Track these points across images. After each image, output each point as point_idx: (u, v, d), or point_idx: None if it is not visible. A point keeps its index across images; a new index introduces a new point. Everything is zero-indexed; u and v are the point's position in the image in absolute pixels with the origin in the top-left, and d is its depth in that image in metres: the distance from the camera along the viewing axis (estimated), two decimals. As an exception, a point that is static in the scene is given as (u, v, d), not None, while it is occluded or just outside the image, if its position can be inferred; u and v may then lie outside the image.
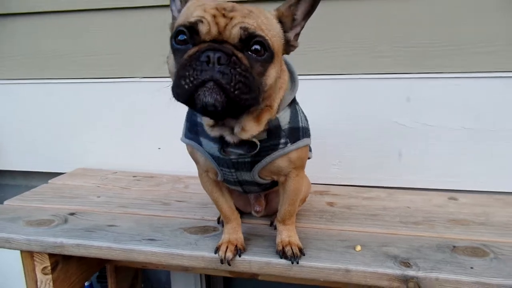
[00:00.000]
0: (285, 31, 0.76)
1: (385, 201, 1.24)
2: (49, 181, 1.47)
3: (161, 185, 1.42)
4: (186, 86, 0.65)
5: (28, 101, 1.64)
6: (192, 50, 0.66)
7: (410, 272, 0.83)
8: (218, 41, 0.66)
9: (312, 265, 0.87)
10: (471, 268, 0.85)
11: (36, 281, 1.06)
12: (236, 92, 0.65)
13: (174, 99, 0.71)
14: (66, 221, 1.10)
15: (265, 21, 0.70)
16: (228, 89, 0.64)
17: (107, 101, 1.58)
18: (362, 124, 1.37)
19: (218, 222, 1.08)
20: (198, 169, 0.92)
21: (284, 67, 0.82)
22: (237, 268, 0.90)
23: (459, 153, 1.33)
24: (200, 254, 0.92)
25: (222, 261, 0.89)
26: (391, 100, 1.33)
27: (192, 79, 0.64)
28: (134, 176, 1.53)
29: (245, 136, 0.76)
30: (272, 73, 0.71)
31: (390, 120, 1.35)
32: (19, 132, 1.68)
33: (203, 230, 1.05)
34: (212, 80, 0.64)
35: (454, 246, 0.94)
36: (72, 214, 1.15)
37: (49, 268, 1.05)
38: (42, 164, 1.70)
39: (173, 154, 1.56)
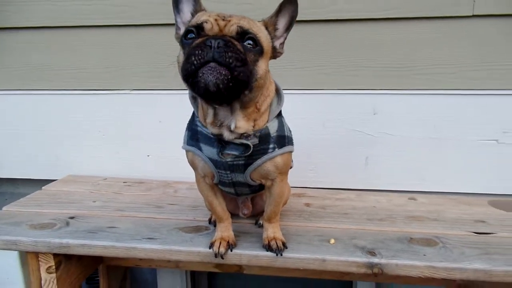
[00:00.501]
0: (272, 38, 0.92)
1: (354, 202, 1.41)
2: (43, 187, 1.54)
3: (152, 190, 1.53)
4: (192, 67, 0.79)
5: (19, 110, 1.70)
6: (198, 39, 0.81)
7: (375, 260, 1.00)
8: (219, 36, 0.82)
9: (294, 256, 1.02)
10: (424, 255, 1.02)
11: (41, 280, 1.15)
12: (233, 68, 0.78)
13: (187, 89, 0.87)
14: (68, 224, 1.20)
15: (255, 26, 0.88)
16: (226, 65, 0.77)
17: (97, 111, 1.67)
18: (334, 134, 1.54)
19: (210, 222, 1.20)
20: (196, 175, 1.05)
21: (272, 80, 0.98)
22: (229, 261, 1.04)
23: (418, 159, 1.52)
24: (196, 249, 1.05)
25: (216, 255, 1.02)
26: (359, 113, 1.51)
27: (197, 61, 0.78)
28: (124, 182, 1.62)
29: (240, 131, 0.90)
30: (262, 65, 0.86)
31: (359, 131, 1.53)
32: (7, 140, 1.74)
33: (197, 229, 1.17)
34: (213, 59, 0.77)
35: (411, 238, 1.12)
36: (72, 217, 1.24)
37: (53, 267, 1.14)
38: (30, 172, 1.76)
39: (162, 161, 1.68)
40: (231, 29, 0.82)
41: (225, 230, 1.06)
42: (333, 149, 1.55)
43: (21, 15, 1.58)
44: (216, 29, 0.83)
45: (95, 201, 1.39)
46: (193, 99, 1.00)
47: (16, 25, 1.60)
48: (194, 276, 1.84)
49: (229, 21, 0.83)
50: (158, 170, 1.67)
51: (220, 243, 1.03)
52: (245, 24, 0.84)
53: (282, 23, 0.93)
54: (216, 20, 0.83)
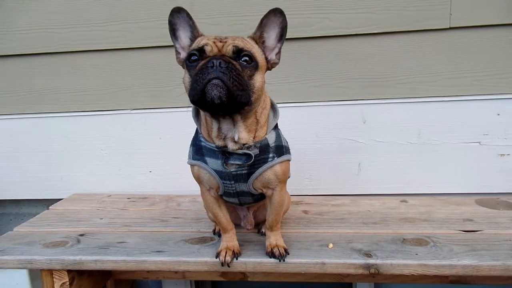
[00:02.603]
0: (263, 51, 1.02)
1: (350, 207, 1.49)
2: (50, 207, 1.59)
3: (155, 205, 1.59)
4: (198, 86, 0.90)
5: (22, 134, 1.76)
6: (202, 62, 0.93)
7: (371, 261, 1.07)
8: (218, 56, 0.92)
9: (295, 261, 1.09)
10: (416, 254, 1.10)
11: (55, 296, 1.20)
12: (233, 86, 0.89)
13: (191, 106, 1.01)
14: (79, 241, 1.25)
15: (248, 43, 0.98)
16: (227, 83, 0.88)
17: (99, 131, 1.73)
18: (327, 143, 1.62)
19: (214, 233, 1.27)
20: (201, 189, 1.12)
21: (268, 95, 1.08)
22: (235, 268, 1.10)
23: (408, 164, 1.60)
24: (203, 259, 1.11)
25: (222, 264, 1.08)
26: (350, 122, 1.59)
27: (202, 80, 0.89)
28: (128, 198, 1.68)
29: (242, 141, 1.00)
30: (258, 78, 0.96)
31: (350, 139, 1.61)
32: (10, 162, 1.79)
33: (202, 240, 1.24)
34: (217, 77, 0.88)
35: (404, 239, 1.19)
36: (82, 235, 1.30)
37: (67, 283, 1.19)
38: (34, 192, 1.81)
39: (163, 176, 1.75)
40: (228, 49, 0.93)
41: (230, 240, 1.13)
42: (327, 158, 1.64)
43: (22, 43, 1.65)
44: (215, 50, 0.93)
45: (102, 218, 1.45)
46: (196, 117, 1.08)
47: (18, 53, 1.66)
48: (198, 285, 1.89)
49: (226, 42, 0.94)
50: (160, 185, 1.74)
51: (226, 252, 1.10)
52: (240, 43, 0.94)
53: (272, 35, 1.02)
54: (214, 42, 0.94)
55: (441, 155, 1.58)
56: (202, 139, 1.05)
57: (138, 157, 1.74)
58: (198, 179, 1.09)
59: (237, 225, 1.30)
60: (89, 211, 1.53)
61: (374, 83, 1.56)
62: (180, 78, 1.68)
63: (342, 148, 1.61)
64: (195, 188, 1.71)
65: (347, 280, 1.38)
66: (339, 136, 1.61)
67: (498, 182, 1.57)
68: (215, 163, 1.03)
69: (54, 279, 1.19)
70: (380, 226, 1.30)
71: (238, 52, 0.93)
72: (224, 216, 1.13)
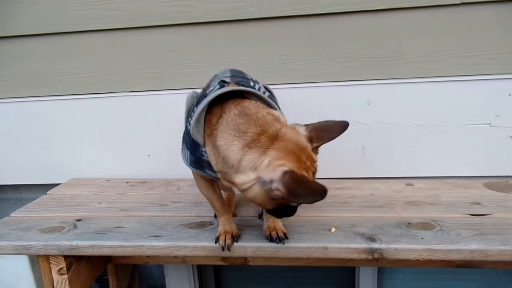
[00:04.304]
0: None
1: (353, 190, 1.45)
2: (48, 192, 1.57)
3: (154, 189, 1.56)
4: None
5: (19, 118, 1.72)
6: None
7: (375, 245, 1.04)
8: None
9: (297, 245, 1.05)
10: (422, 238, 1.06)
11: (53, 282, 1.18)
12: None
13: None
14: (75, 226, 1.23)
15: None
16: None
17: (96, 114, 1.69)
18: (331, 125, 1.57)
19: (215, 217, 1.24)
20: (194, 174, 1.09)
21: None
22: (234, 253, 1.07)
23: (414, 146, 1.55)
24: (202, 244, 1.08)
25: (223, 249, 1.05)
26: (354, 104, 1.54)
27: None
28: (127, 182, 1.65)
29: None
30: None
31: (354, 121, 1.55)
32: (9, 147, 1.76)
33: (201, 225, 1.21)
34: None
35: (409, 223, 1.16)
36: (79, 220, 1.28)
37: (65, 268, 1.17)
38: (33, 177, 1.79)
39: (162, 160, 1.71)
40: None
41: (227, 223, 1.10)
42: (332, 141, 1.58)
43: (19, 22, 1.60)
44: None
45: (100, 203, 1.42)
46: (197, 130, 0.95)
47: (14, 34, 1.61)
48: (201, 270, 1.88)
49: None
50: (159, 169, 1.71)
51: (226, 236, 1.07)
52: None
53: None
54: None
55: (449, 137, 1.52)
56: (205, 154, 0.97)
57: (136, 141, 1.70)
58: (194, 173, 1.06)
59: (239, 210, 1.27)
60: (87, 195, 1.51)
61: (380, 63, 1.50)
62: (178, 59, 1.64)
63: (346, 130, 1.56)
64: (195, 172, 1.67)
65: (350, 264, 1.36)
66: (343, 118, 1.54)
67: (507, 164, 1.52)
68: (199, 171, 1.02)
69: (51, 265, 1.17)
70: (385, 210, 1.26)
71: None
72: (218, 199, 1.09)
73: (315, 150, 0.91)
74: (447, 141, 1.53)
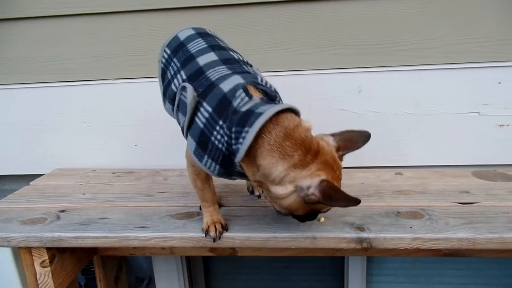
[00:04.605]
0: None
1: (343, 180, 1.42)
2: (31, 183, 1.52)
3: (141, 179, 1.53)
4: None
5: (0, 106, 1.67)
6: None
7: (364, 235, 1.03)
8: None
9: (286, 235, 1.04)
10: (411, 227, 1.05)
11: (36, 274, 1.15)
12: None
13: None
14: (58, 217, 1.19)
15: None
16: None
17: (81, 102, 1.65)
18: (321, 114, 1.55)
19: (201, 209, 1.21)
20: (189, 167, 1.05)
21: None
22: (222, 244, 1.05)
23: (404, 135, 1.55)
24: (189, 235, 1.06)
25: (214, 239, 1.03)
26: (344, 92, 1.52)
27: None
28: (113, 173, 1.62)
29: None
30: None
31: (344, 109, 1.54)
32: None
33: (188, 215, 1.18)
34: None
35: (398, 212, 1.15)
36: (62, 211, 1.24)
37: (47, 261, 1.14)
38: (16, 168, 1.75)
39: (150, 149, 1.68)
40: None
41: (215, 213, 1.08)
42: (320, 129, 1.55)
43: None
44: None
45: (84, 194, 1.39)
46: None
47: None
48: (190, 261, 1.87)
49: None
50: (147, 159, 1.67)
51: (215, 226, 1.05)
52: None
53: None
54: None
55: (439, 126, 1.52)
56: (239, 168, 0.94)
57: (123, 130, 1.66)
58: (196, 167, 1.01)
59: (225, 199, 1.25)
60: (71, 186, 1.47)
61: (370, 50, 1.48)
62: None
63: (337, 119, 1.54)
64: (183, 162, 1.65)
65: (339, 254, 1.35)
66: (333, 107, 1.54)
67: (496, 153, 1.52)
68: (224, 178, 1.03)
69: (34, 257, 1.14)
70: (374, 199, 1.26)
71: None
72: (211, 190, 1.08)
73: (341, 158, 0.97)
74: (437, 130, 1.53)
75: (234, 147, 0.89)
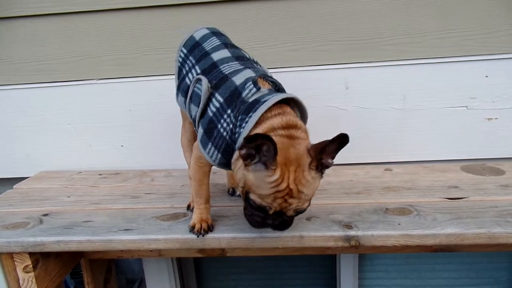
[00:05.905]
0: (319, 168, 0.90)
1: (331, 177, 1.42)
2: (14, 186, 1.49)
3: (128, 180, 1.51)
4: (254, 223, 0.93)
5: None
6: (259, 217, 0.91)
7: (351, 232, 1.01)
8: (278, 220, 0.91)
9: (273, 235, 1.02)
10: (399, 224, 1.04)
11: (18, 280, 1.12)
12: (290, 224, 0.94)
13: None
14: (41, 221, 1.16)
15: (310, 193, 0.89)
16: (284, 227, 0.94)
17: (64, 104, 1.61)
18: (309, 112, 1.53)
19: (188, 209, 1.20)
20: (195, 162, 1.04)
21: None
22: (208, 245, 1.04)
23: (392, 130, 1.54)
24: (175, 236, 1.04)
25: (198, 235, 1.02)
26: (332, 88, 1.50)
27: (259, 221, 0.92)
28: (100, 174, 1.59)
29: None
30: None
31: (332, 106, 1.52)
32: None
33: (174, 216, 1.16)
34: (271, 226, 0.92)
35: (387, 209, 1.14)
36: (45, 215, 1.21)
37: (31, 266, 1.11)
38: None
39: (137, 150, 1.65)
40: (289, 213, 0.89)
41: (205, 212, 1.07)
42: (308, 126, 1.55)
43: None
44: (277, 209, 0.88)
45: (69, 196, 1.36)
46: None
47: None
48: (181, 262, 1.85)
49: (290, 204, 0.87)
50: (134, 160, 1.65)
51: (201, 223, 1.04)
52: (302, 206, 0.89)
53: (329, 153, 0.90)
54: (279, 204, 0.87)
55: (427, 121, 1.51)
56: None
57: (108, 131, 1.63)
58: (202, 160, 1.02)
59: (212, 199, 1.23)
60: (56, 189, 1.44)
61: (357, 46, 1.46)
62: (150, 44, 1.56)
63: (324, 116, 1.53)
64: (170, 162, 1.62)
65: (329, 252, 1.34)
66: (320, 103, 1.52)
67: (484, 147, 1.52)
68: (224, 169, 1.05)
69: (16, 263, 1.11)
70: (363, 196, 1.24)
71: (298, 213, 0.91)
72: (207, 187, 1.07)
73: (319, 171, 0.90)
74: (425, 124, 1.52)
75: (237, 135, 0.93)
